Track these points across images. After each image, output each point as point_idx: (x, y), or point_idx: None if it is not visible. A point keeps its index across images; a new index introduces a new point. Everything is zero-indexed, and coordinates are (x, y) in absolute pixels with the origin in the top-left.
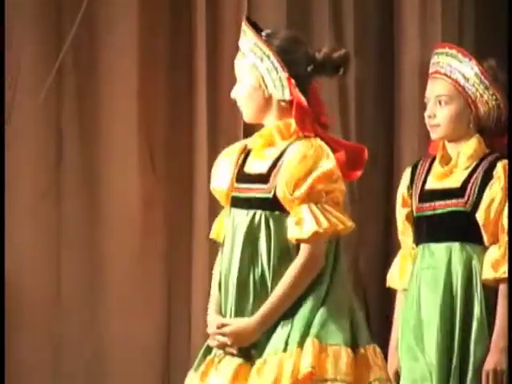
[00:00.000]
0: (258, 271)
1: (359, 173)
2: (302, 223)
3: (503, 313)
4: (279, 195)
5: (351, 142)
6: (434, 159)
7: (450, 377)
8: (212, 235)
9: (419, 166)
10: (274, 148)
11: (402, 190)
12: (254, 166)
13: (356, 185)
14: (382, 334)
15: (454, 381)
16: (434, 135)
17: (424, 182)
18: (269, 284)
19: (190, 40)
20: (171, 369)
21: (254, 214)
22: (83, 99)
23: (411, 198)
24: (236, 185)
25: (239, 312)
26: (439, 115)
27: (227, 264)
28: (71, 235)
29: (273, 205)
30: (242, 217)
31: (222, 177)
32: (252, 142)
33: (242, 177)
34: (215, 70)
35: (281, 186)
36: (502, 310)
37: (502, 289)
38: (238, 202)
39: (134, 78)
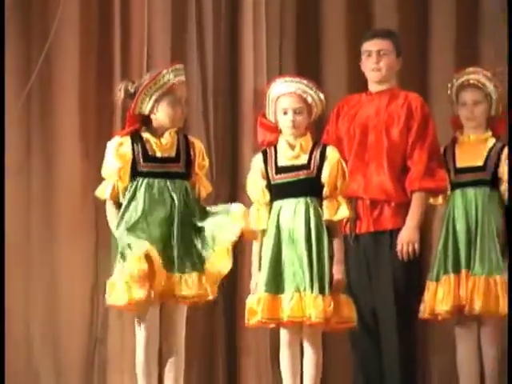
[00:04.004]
0: None
1: None
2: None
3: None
4: None
5: None
6: (275, 147)
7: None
8: None
9: (268, 152)
10: None
11: (259, 167)
12: None
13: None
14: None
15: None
16: (293, 131)
17: (275, 161)
18: None
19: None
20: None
21: None
22: (44, 114)
23: (267, 173)
24: None
25: None
26: (297, 120)
27: None
28: (37, 205)
29: None
30: None
31: None
32: None
33: None
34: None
35: None
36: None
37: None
38: None
39: (76, 98)
